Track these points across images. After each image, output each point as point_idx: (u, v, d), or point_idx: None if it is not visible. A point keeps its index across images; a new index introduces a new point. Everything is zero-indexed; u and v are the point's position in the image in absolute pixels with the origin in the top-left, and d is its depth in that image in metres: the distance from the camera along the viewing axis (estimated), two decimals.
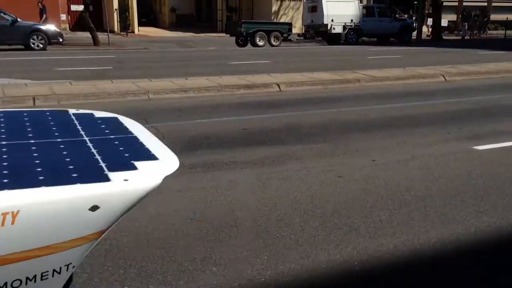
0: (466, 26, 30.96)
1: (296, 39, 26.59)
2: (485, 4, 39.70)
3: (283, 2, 35.23)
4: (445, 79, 11.20)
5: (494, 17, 39.63)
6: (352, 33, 25.24)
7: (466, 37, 30.66)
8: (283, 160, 5.20)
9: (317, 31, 25.73)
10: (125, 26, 31.51)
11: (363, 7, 26.67)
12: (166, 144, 2.36)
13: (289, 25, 25.04)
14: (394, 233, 3.53)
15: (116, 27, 31.30)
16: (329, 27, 24.79)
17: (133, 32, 32.29)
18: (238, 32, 23.53)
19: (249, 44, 23.44)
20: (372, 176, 4.74)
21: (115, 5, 30.77)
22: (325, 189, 4.39)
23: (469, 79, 11.43)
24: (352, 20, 25.17)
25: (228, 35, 25.11)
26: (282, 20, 32.93)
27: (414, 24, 27.96)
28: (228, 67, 13.97)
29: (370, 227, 3.61)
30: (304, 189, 4.38)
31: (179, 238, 3.41)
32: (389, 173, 4.84)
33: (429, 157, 5.35)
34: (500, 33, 34.28)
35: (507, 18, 36.44)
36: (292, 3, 35.38)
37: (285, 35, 24.02)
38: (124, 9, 31.91)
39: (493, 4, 40.07)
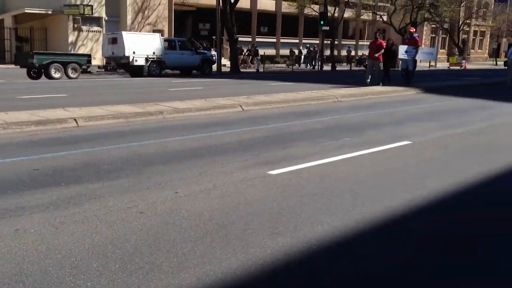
0: (259, 59, 33.79)
1: (97, 71, 25.67)
2: (274, 40, 44.03)
3: (81, 32, 33.84)
4: (243, 109, 11.93)
5: (282, 52, 44.21)
6: (155, 65, 25.37)
7: (260, 70, 33.42)
8: (80, 200, 4.82)
9: (119, 63, 25.24)
10: None
11: (165, 40, 27.12)
12: None
13: (88, 56, 24.02)
14: (197, 264, 3.50)
15: None
16: (131, 59, 24.52)
17: None
18: (29, 64, 21.67)
19: (43, 77, 21.77)
20: (175, 208, 4.69)
21: None
22: (126, 227, 4.18)
23: (264, 108, 12.37)
24: (154, 53, 25.34)
25: (18, 66, 22.96)
26: (81, 52, 31.53)
27: (214, 57, 29.42)
28: (17, 101, 12.71)
29: (173, 262, 3.53)
30: (103, 229, 4.10)
31: None
32: (192, 204, 4.85)
33: (229, 185, 5.54)
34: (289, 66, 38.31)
35: (293, 51, 40.93)
36: (91, 34, 34.22)
37: (84, 67, 22.93)
38: None
39: (281, 40, 44.67)
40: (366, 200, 5.10)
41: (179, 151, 7.29)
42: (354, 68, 40.90)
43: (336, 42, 43.04)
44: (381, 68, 19.36)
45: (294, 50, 40.82)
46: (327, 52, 40.03)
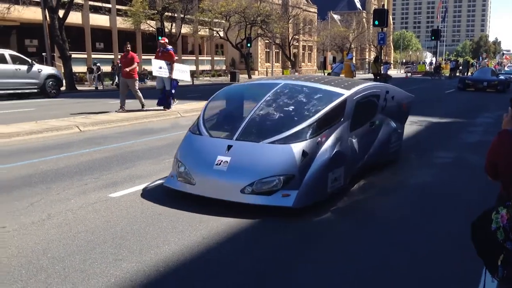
0: (97, 77, 32.32)
1: None
2: (112, 56, 42.58)
3: None
4: (80, 130, 11.23)
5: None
6: None
7: (99, 87, 32.00)
8: None
9: None
10: None
11: None
12: None
13: None
14: None
15: None
16: None
17: None
18: None
19: None
20: (2, 246, 4.18)
21: None
22: None
23: (104, 128, 11.80)
24: None
25: None
26: None
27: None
28: None
29: None
30: None
31: None
32: (23, 238, 4.37)
33: (66, 212, 5.13)
34: None
35: None
36: None
37: None
38: None
39: (119, 56, 43.30)
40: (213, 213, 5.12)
41: (6, 181, 6.55)
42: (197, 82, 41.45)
43: (176, 58, 43.22)
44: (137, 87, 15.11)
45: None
46: None
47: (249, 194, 5.14)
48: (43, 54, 30.20)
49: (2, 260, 3.87)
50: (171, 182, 5.90)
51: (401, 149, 8.20)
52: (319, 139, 5.51)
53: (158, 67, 14.44)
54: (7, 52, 20.97)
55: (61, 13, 27.96)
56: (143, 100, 15.05)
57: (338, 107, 5.99)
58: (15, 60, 20.66)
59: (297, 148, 5.33)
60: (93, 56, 40.11)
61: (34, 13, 31.34)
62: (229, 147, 5.52)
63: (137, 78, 15.27)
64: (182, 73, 15.26)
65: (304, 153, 5.30)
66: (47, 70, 22.45)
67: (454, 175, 7.40)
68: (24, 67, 20.70)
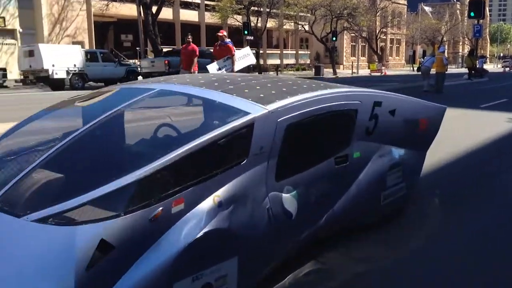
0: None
1: (14, 85, 24.33)
2: None
3: None
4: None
5: None
6: (77, 78, 24.50)
7: None
8: None
9: (38, 77, 24.12)
10: None
11: (86, 52, 26.26)
12: None
13: (3, 70, 22.74)
14: None
15: None
16: (50, 72, 23.51)
17: None
18: None
19: None
20: None
21: None
22: None
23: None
24: (75, 65, 24.47)
25: None
26: None
27: (139, 69, 28.91)
28: None
29: None
30: None
31: None
32: None
33: None
34: None
35: None
36: (5, 47, 32.39)
37: None
38: None
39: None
40: None
41: None
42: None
43: (261, 52, 43.73)
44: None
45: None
46: None
47: None
48: (137, 48, 31.88)
49: None
50: None
51: (411, 193, 4.58)
52: (160, 209, 2.37)
53: (216, 68, 12.45)
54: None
55: (154, 9, 29.33)
56: None
57: (231, 137, 2.78)
58: None
59: (88, 234, 2.19)
60: None
61: (130, 9, 33.16)
62: None
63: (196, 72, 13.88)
64: (245, 58, 13.47)
65: (103, 245, 2.18)
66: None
67: None
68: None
